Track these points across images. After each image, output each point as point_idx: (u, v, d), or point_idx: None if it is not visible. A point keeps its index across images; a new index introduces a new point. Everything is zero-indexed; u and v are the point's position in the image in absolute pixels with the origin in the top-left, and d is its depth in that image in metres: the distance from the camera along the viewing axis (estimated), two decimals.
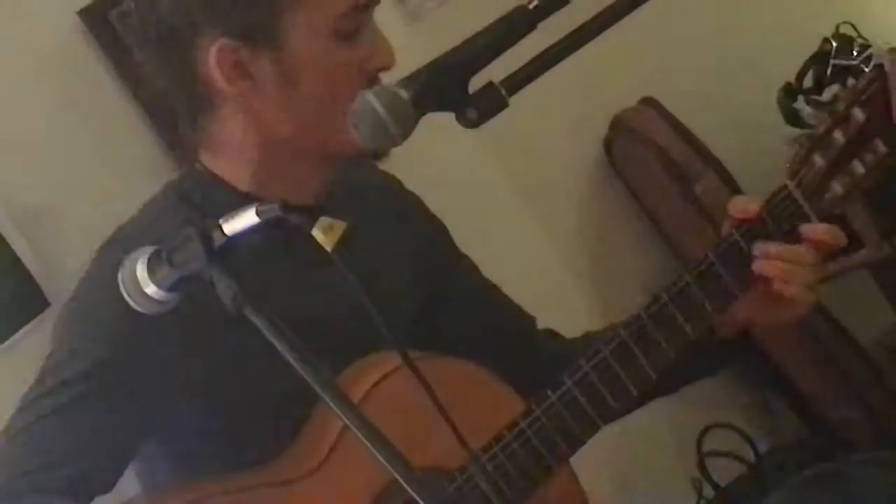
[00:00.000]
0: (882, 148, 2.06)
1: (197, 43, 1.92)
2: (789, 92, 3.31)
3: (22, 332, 2.68)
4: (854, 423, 3.44)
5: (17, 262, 2.72)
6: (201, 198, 2.00)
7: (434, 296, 2.18)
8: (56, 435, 1.87)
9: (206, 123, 1.99)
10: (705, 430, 3.32)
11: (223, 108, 1.97)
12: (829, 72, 3.19)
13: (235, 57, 1.92)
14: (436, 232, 2.26)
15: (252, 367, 1.87)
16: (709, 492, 3.32)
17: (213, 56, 1.91)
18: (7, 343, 2.73)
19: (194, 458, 1.98)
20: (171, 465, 2.02)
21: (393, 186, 2.25)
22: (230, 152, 2.01)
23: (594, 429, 1.99)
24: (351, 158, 2.03)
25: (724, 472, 3.35)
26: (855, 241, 3.50)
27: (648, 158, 3.52)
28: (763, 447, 3.49)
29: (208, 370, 1.91)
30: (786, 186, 2.04)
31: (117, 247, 1.95)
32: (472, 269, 2.27)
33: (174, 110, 2.04)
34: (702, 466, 3.31)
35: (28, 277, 2.72)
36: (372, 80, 1.94)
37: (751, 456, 3.36)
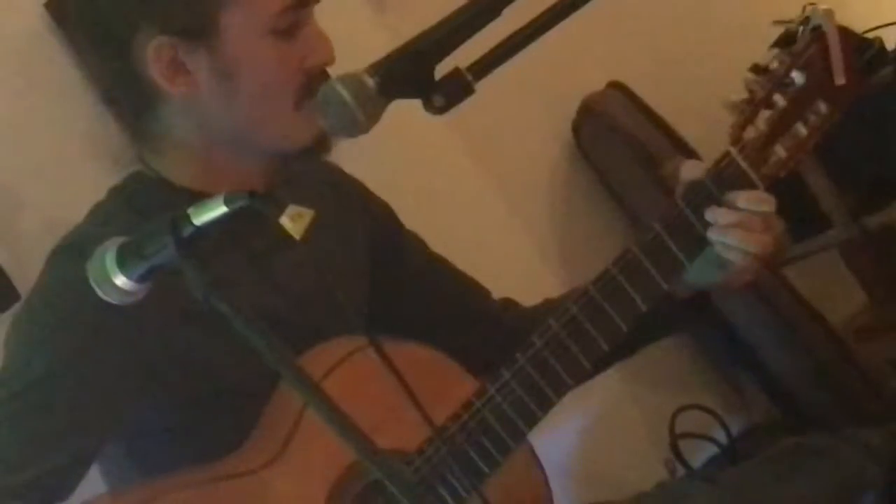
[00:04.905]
0: (824, 109, 2.06)
1: (135, 41, 1.95)
2: (757, 73, 3.30)
3: None
4: (824, 403, 3.45)
5: None
6: (146, 200, 2.01)
7: (387, 275, 2.19)
8: (11, 443, 1.87)
9: (148, 123, 2.02)
10: (677, 412, 3.33)
11: (165, 106, 2.00)
12: None
13: (172, 54, 1.94)
14: (381, 213, 2.27)
15: (211, 358, 1.87)
16: (682, 473, 3.33)
17: (150, 53, 1.94)
18: None
19: (159, 456, 1.98)
20: (136, 463, 2.01)
21: (335, 174, 2.26)
22: (173, 152, 2.03)
23: (549, 405, 1.98)
24: (294, 154, 2.03)
25: (698, 453, 3.36)
26: (823, 222, 3.52)
27: (617, 142, 3.52)
28: (736, 428, 3.50)
29: (165, 364, 1.91)
30: (728, 153, 2.03)
31: (66, 254, 1.96)
32: (421, 244, 2.29)
33: (119, 111, 2.06)
34: (675, 448, 3.32)
35: None
36: (312, 77, 1.95)
37: (723, 437, 3.37)
